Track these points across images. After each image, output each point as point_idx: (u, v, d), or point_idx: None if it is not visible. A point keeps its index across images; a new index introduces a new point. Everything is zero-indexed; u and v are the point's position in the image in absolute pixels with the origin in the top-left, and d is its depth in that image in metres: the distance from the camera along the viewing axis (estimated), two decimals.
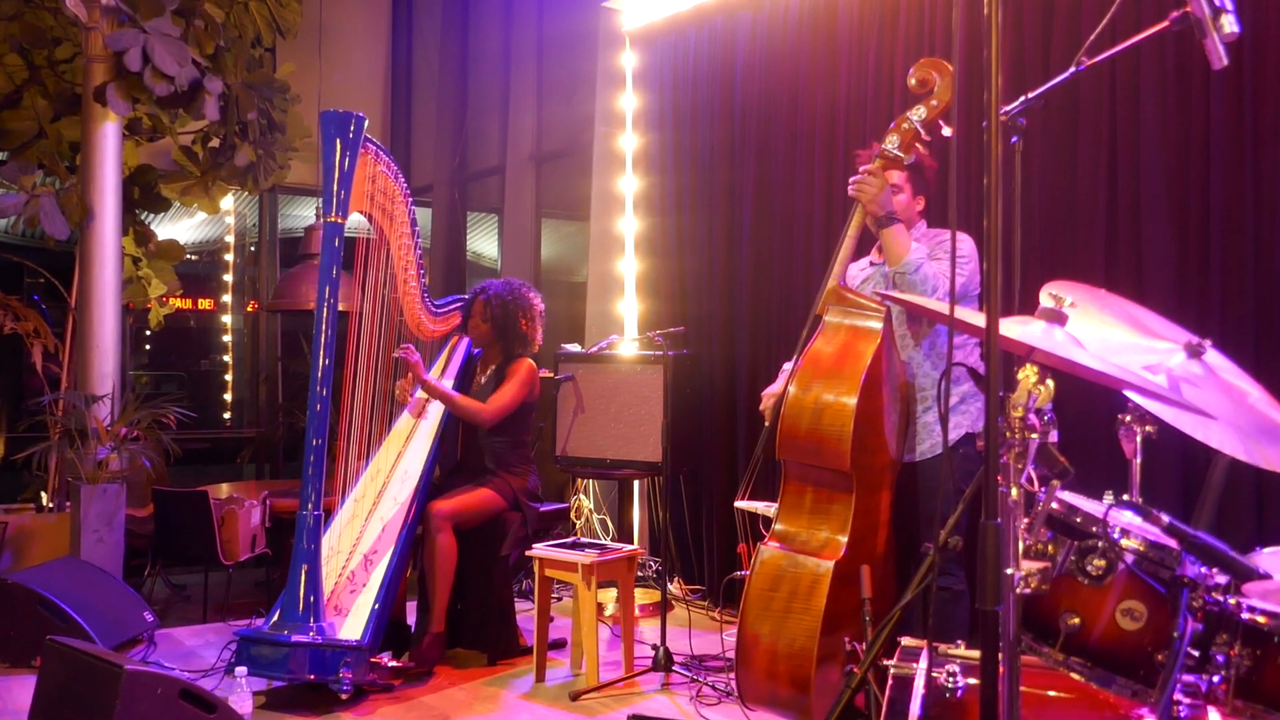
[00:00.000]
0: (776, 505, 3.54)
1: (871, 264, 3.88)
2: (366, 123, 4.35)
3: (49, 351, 6.20)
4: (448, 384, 4.93)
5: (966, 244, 3.65)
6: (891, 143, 3.58)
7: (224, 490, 6.05)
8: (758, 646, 3.33)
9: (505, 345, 4.89)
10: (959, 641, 2.40)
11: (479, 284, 4.99)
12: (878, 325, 3.50)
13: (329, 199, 4.27)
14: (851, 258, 3.69)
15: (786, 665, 3.28)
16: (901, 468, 3.69)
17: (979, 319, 1.95)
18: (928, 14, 4.73)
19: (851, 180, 3.59)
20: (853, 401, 3.34)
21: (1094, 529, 1.99)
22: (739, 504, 3.72)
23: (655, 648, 4.36)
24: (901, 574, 3.69)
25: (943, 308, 2.05)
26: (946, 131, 3.53)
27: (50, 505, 5.79)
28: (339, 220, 4.27)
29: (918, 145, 3.60)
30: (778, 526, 3.48)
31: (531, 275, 7.30)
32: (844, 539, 3.37)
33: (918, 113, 3.55)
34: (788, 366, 3.89)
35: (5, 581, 4.53)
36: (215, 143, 6.43)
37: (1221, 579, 1.95)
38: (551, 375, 5.51)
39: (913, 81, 3.55)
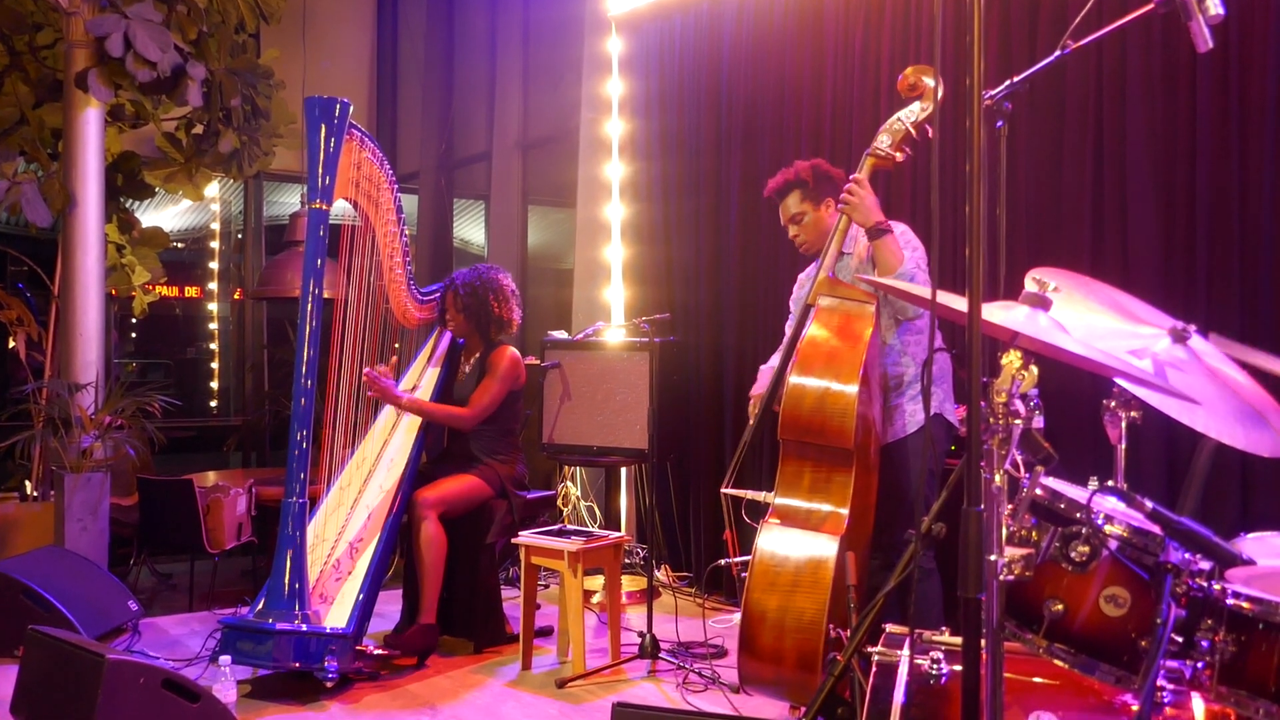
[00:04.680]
0: (775, 483, 3.55)
1: (818, 267, 3.95)
2: (351, 109, 4.32)
3: (32, 339, 6.15)
4: (435, 372, 4.92)
5: (912, 237, 3.70)
6: (883, 141, 3.65)
7: (210, 478, 6.02)
8: (763, 624, 3.33)
9: (483, 331, 4.87)
10: (943, 628, 2.40)
11: (436, 286, 4.97)
12: (872, 310, 3.57)
13: (314, 186, 4.24)
14: (838, 256, 3.75)
15: (795, 640, 3.28)
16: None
17: (962, 304, 1.94)
18: (913, 0, 4.72)
19: (840, 202, 3.63)
20: (855, 385, 3.39)
21: (1078, 515, 1.99)
22: (725, 490, 3.73)
23: (641, 635, 4.35)
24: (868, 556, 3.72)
25: (925, 292, 2.04)
26: (933, 135, 3.58)
27: (34, 494, 5.76)
28: (324, 207, 4.25)
29: (905, 147, 3.65)
30: (778, 502, 3.50)
31: (518, 262, 7.27)
32: (845, 512, 3.40)
33: (909, 115, 3.64)
34: (765, 368, 3.92)
35: None
36: (199, 129, 6.38)
37: (1205, 565, 1.95)
38: (538, 362, 5.49)
39: (903, 85, 3.61)
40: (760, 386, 3.89)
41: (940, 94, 3.56)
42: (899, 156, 3.64)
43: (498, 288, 4.85)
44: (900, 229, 3.70)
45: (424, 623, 4.48)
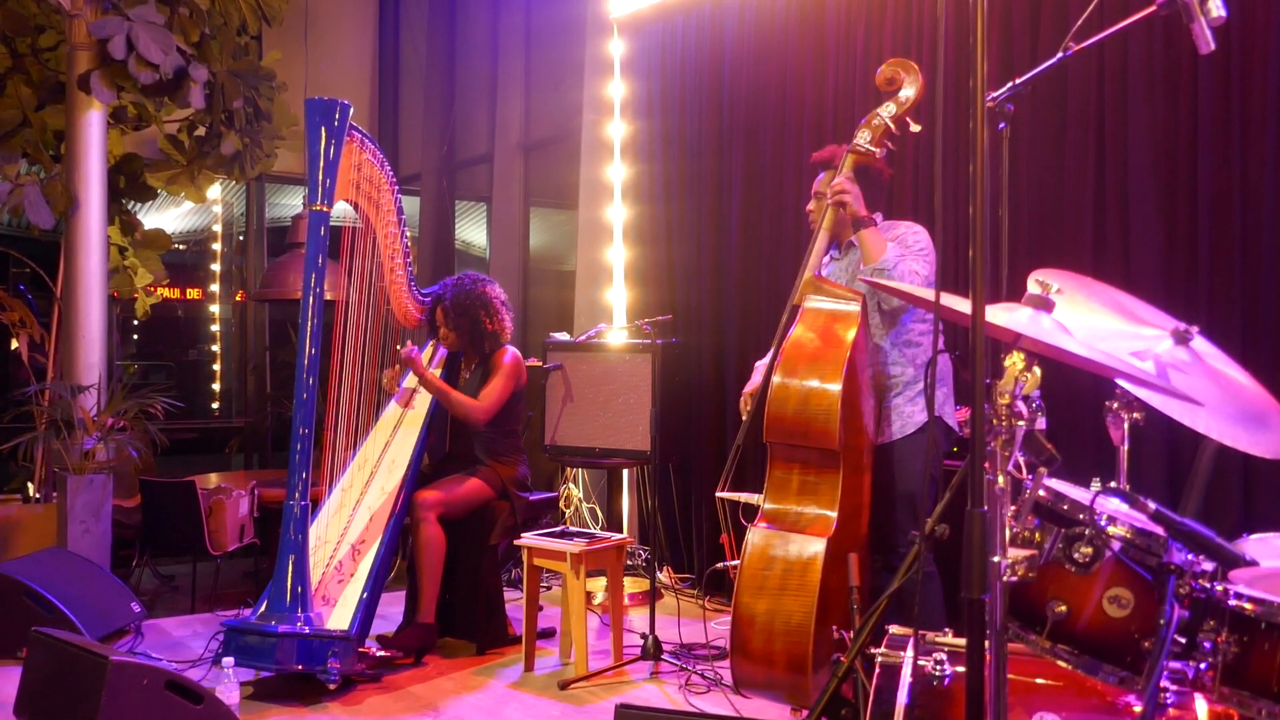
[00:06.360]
0: (764, 486, 3.56)
1: (832, 259, 3.96)
2: (352, 110, 4.33)
3: (35, 341, 6.15)
4: (435, 374, 4.92)
5: (922, 236, 3.70)
6: (863, 138, 3.69)
7: (212, 480, 6.02)
8: (753, 627, 3.33)
9: (476, 346, 4.87)
10: (946, 629, 2.40)
11: (435, 288, 4.96)
12: (857, 309, 3.58)
13: (314, 187, 4.24)
14: (825, 252, 3.78)
15: (784, 643, 3.28)
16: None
17: (965, 305, 1.94)
18: (915, 1, 4.72)
19: (831, 192, 3.66)
20: (838, 385, 3.38)
21: (1081, 516, 1.99)
22: (720, 494, 3.73)
23: (644, 636, 4.35)
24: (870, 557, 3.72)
25: (929, 294, 2.04)
26: (915, 128, 3.65)
27: (37, 496, 5.76)
28: (324, 209, 4.25)
29: (887, 141, 3.68)
30: (767, 506, 3.50)
31: (520, 264, 7.27)
32: (833, 514, 3.40)
33: (887, 109, 3.68)
34: (760, 364, 3.94)
35: None
36: (201, 131, 6.39)
37: (1208, 566, 1.95)
38: (540, 364, 5.49)
39: (881, 80, 3.67)
40: (753, 384, 3.89)
41: (919, 87, 3.62)
42: (879, 152, 3.67)
43: (487, 302, 4.83)
44: (915, 229, 3.72)
45: (421, 622, 4.49)
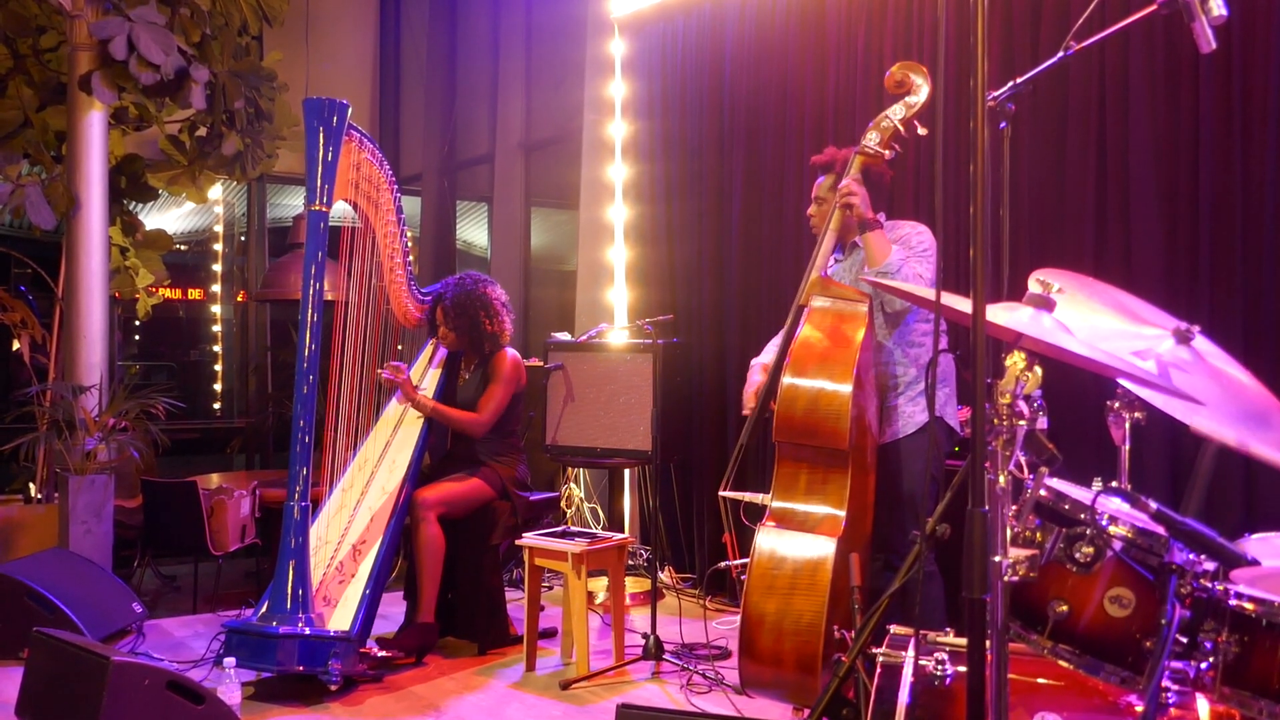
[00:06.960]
0: (771, 486, 3.56)
1: (836, 260, 3.96)
2: (350, 110, 4.33)
3: (36, 342, 6.15)
4: (435, 374, 4.92)
5: (926, 236, 3.70)
6: (872, 139, 3.69)
7: (213, 480, 6.02)
8: (762, 627, 3.33)
9: (476, 347, 4.87)
10: (947, 629, 2.40)
11: (435, 287, 4.96)
12: (864, 310, 3.58)
13: (313, 187, 4.25)
14: (831, 254, 3.78)
15: (794, 643, 3.28)
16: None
17: (966, 305, 1.94)
18: (916, 1, 4.71)
19: (840, 194, 3.65)
20: (848, 386, 3.39)
21: (1082, 516, 1.99)
22: (723, 494, 3.73)
23: (645, 636, 4.35)
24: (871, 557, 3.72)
25: (930, 294, 2.04)
26: (922, 131, 3.65)
27: (38, 496, 5.76)
28: (323, 209, 4.25)
29: (894, 144, 3.69)
30: (775, 505, 3.50)
31: (521, 264, 7.27)
32: (843, 514, 3.40)
33: (896, 112, 3.68)
34: (756, 363, 3.93)
35: None
36: (202, 132, 6.39)
37: (1209, 565, 1.95)
38: (541, 364, 5.49)
39: (890, 82, 3.67)
40: (755, 383, 3.88)
41: (928, 90, 3.63)
42: (887, 154, 3.68)
43: (487, 303, 4.83)
44: (919, 229, 3.72)
45: (422, 622, 4.50)
